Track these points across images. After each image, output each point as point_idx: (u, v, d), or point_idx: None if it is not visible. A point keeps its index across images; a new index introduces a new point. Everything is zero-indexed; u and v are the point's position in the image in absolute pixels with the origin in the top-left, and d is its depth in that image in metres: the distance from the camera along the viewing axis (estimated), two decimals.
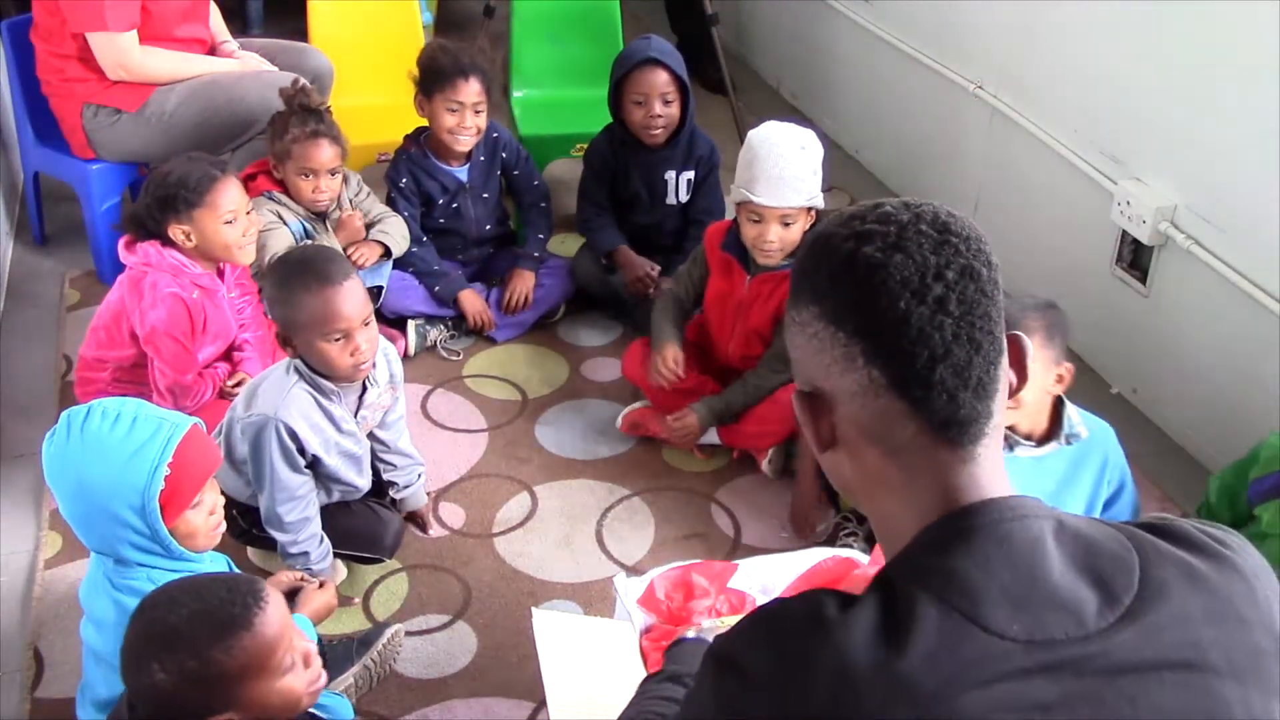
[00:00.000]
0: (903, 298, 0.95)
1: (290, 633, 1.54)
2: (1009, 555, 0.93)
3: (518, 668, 2.19)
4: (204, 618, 1.46)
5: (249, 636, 1.47)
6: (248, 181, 2.94)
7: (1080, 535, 0.97)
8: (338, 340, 2.13)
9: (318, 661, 1.59)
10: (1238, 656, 0.94)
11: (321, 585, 2.03)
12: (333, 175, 2.93)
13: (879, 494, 1.03)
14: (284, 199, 2.94)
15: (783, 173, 2.49)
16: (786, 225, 2.54)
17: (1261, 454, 2.08)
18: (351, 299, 2.13)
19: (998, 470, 1.00)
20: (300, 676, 1.55)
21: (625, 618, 2.04)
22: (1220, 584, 0.97)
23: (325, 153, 2.88)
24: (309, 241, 2.90)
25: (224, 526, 1.88)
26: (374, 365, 2.26)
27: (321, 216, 2.99)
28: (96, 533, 1.75)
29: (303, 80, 2.95)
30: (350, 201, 3.05)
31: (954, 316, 0.95)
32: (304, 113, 2.86)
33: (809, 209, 2.56)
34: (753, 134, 2.58)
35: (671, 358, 2.67)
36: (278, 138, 2.88)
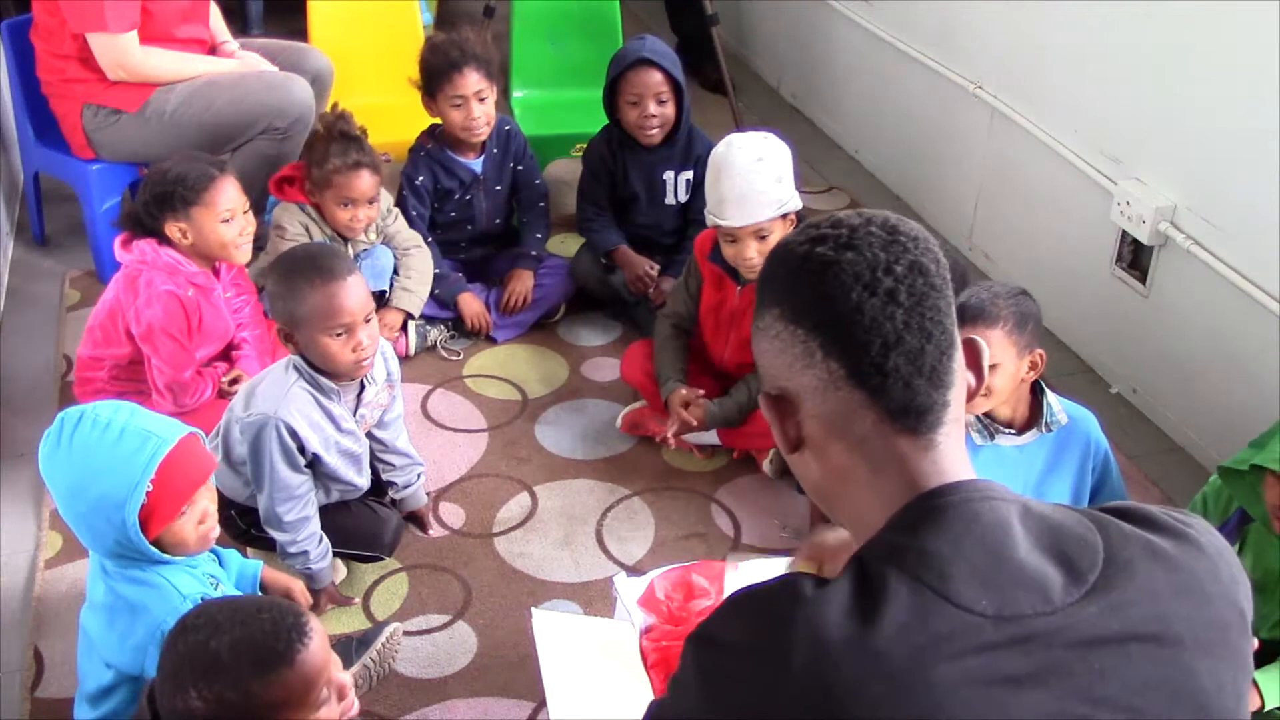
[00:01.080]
0: (855, 290, 1.00)
1: (330, 666, 1.52)
2: (977, 533, 0.97)
3: (518, 668, 2.19)
4: (246, 648, 1.44)
5: (290, 671, 1.45)
6: (282, 184, 2.93)
7: (1045, 519, 1.00)
8: (340, 335, 2.14)
9: (352, 693, 1.57)
10: (1203, 630, 0.97)
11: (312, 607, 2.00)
12: (371, 204, 2.88)
13: (846, 490, 1.06)
14: (315, 215, 2.91)
15: (744, 191, 2.47)
16: (763, 239, 2.52)
17: (1209, 499, 2.06)
18: (355, 294, 2.14)
19: (961, 458, 1.04)
20: (334, 709, 1.53)
21: (625, 618, 2.04)
22: (1183, 561, 1.00)
23: (365, 182, 2.83)
24: None
25: (216, 532, 1.86)
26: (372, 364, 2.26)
27: (344, 239, 2.96)
28: (86, 534, 1.76)
29: (342, 109, 2.92)
30: (379, 227, 3.01)
31: (904, 307, 1.00)
32: (344, 140, 2.82)
33: (783, 217, 2.53)
34: (713, 154, 2.56)
35: (681, 403, 2.62)
36: (317, 165, 2.82)
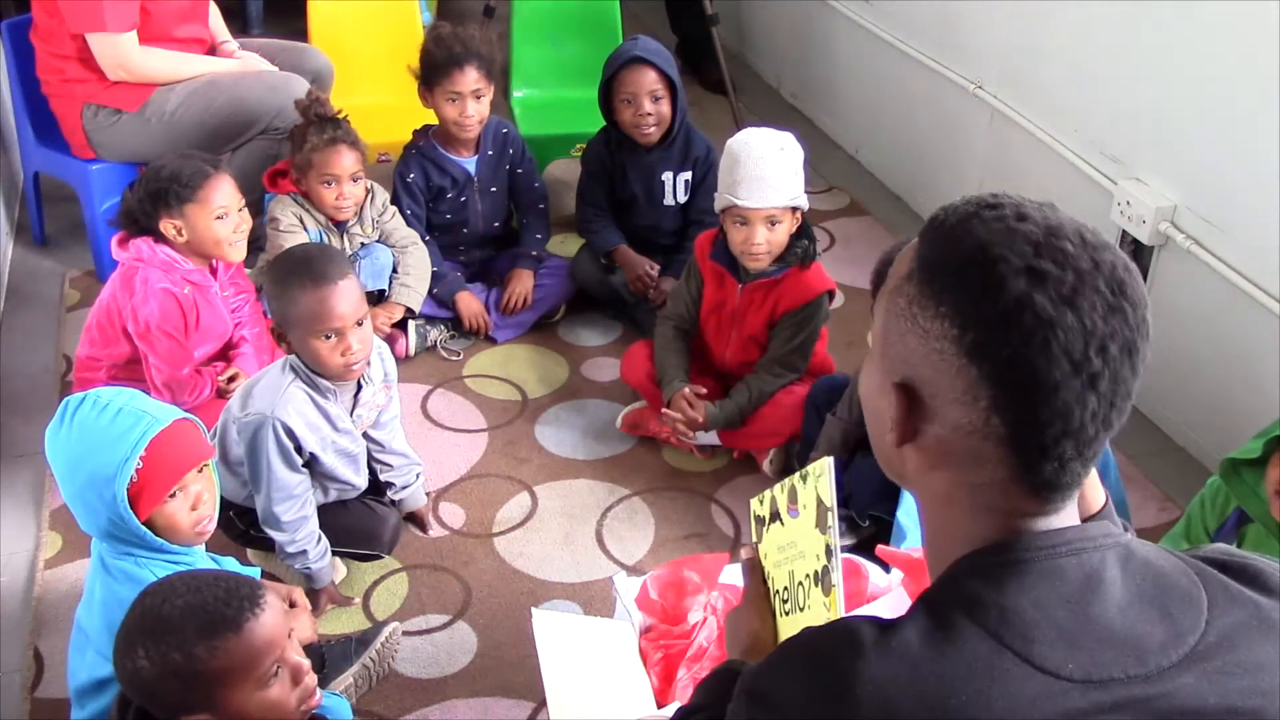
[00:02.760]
0: (1061, 366, 0.87)
1: (282, 644, 1.52)
2: (1062, 591, 0.90)
3: (518, 668, 2.19)
4: (195, 612, 1.45)
5: (235, 639, 1.46)
6: (276, 176, 2.95)
7: (1149, 566, 0.93)
8: (329, 339, 2.13)
9: (311, 679, 1.56)
10: None
11: (293, 604, 1.98)
12: (355, 182, 2.91)
13: (936, 503, 0.99)
14: (307, 205, 2.93)
15: (764, 174, 2.49)
16: (772, 226, 2.54)
17: (1206, 500, 2.05)
18: (345, 298, 2.13)
19: (1070, 507, 0.96)
20: (288, 692, 1.52)
21: (625, 618, 2.04)
22: None
23: (345, 158, 2.86)
24: None
25: (212, 522, 1.85)
26: (368, 364, 2.26)
27: (339, 228, 2.98)
28: (82, 512, 1.77)
29: (316, 90, 2.95)
30: (374, 221, 3.04)
31: (1100, 395, 0.88)
32: (321, 122, 2.85)
33: (794, 209, 2.56)
34: (732, 141, 2.58)
35: (683, 399, 2.63)
36: (297, 150, 2.87)
